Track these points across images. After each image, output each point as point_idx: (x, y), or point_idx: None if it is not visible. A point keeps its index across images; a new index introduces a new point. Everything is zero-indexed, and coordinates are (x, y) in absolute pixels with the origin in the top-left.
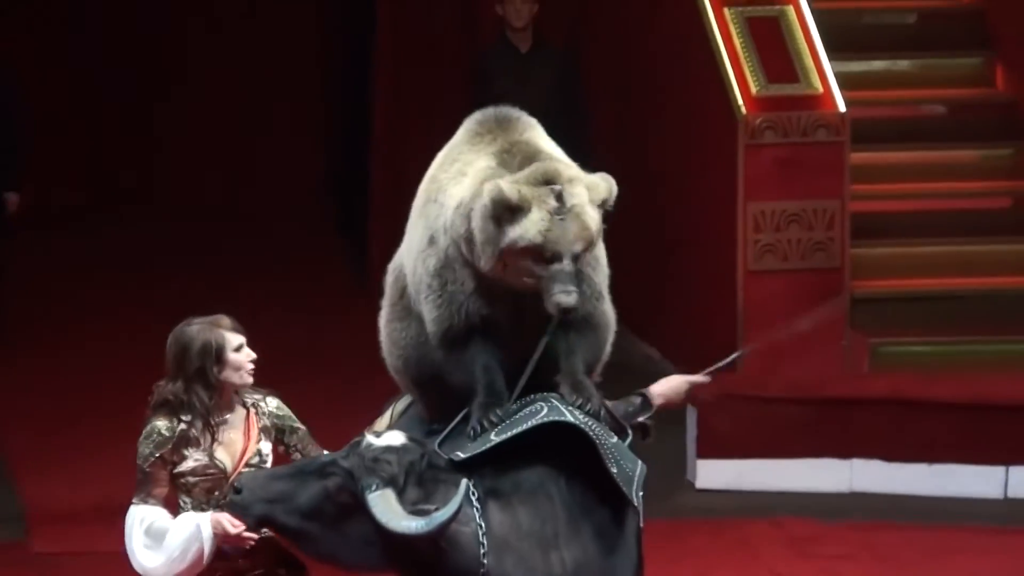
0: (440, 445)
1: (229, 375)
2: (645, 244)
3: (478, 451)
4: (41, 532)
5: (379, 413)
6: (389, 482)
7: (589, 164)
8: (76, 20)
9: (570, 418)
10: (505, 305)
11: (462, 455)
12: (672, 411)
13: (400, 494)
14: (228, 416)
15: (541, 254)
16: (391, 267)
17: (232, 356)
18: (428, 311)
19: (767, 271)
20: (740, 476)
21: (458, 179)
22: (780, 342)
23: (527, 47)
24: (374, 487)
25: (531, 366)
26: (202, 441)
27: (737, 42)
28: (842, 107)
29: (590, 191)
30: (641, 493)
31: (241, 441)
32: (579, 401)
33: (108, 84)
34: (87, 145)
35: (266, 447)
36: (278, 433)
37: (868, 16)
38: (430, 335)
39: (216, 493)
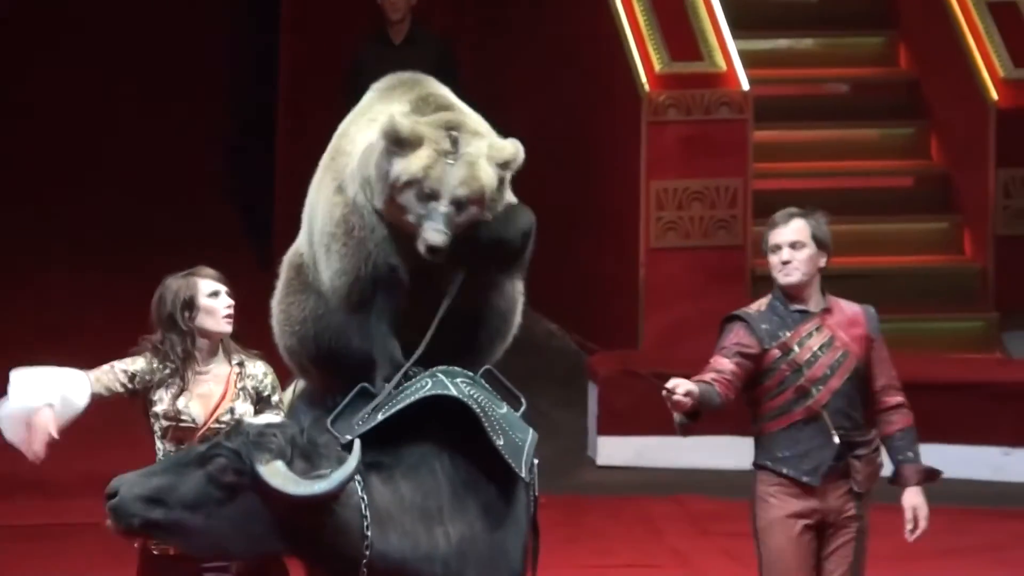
0: (333, 422)
1: (203, 320)
2: (549, 221)
3: (364, 430)
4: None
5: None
6: (279, 454)
7: None
8: None
9: (454, 391)
10: (411, 258)
11: (349, 436)
12: (573, 389)
13: (288, 466)
14: (211, 368)
15: (422, 190)
16: (286, 256)
17: (204, 301)
18: (333, 264)
19: (669, 248)
20: (640, 453)
21: (369, 126)
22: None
23: (401, 38)
24: (265, 460)
25: (432, 330)
26: (177, 387)
27: (641, 19)
28: (745, 85)
29: (492, 148)
30: (535, 461)
31: (217, 395)
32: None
33: None
34: None
35: (242, 407)
36: (257, 398)
37: None
38: (333, 294)
39: (184, 444)
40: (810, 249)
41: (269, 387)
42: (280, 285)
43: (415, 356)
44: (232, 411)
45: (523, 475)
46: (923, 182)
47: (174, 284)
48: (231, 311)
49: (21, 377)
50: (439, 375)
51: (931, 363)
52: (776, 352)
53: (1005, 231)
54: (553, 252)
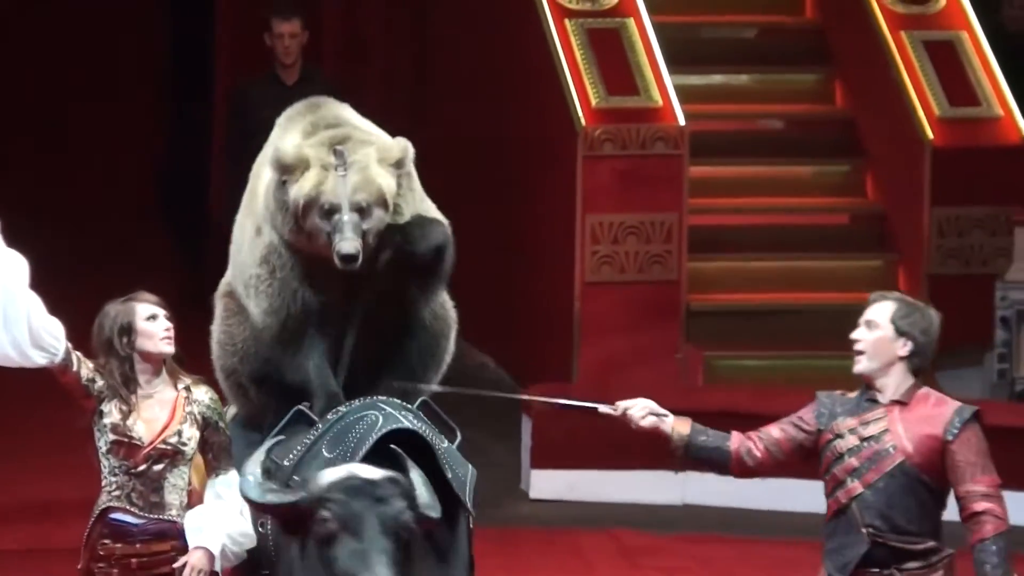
0: (272, 449)
1: (143, 343)
2: (486, 253)
3: (330, 480)
4: None
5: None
6: None
7: None
8: None
9: (407, 423)
10: (336, 288)
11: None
12: (506, 422)
13: None
14: (156, 391)
15: (321, 207)
16: (218, 290)
17: (143, 325)
18: (262, 303)
19: (604, 283)
20: (573, 486)
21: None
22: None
23: (293, 80)
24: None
25: (348, 348)
26: (125, 407)
27: (578, 53)
28: (681, 120)
29: (381, 152)
30: (474, 496)
31: (164, 419)
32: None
33: None
34: None
35: (189, 431)
36: (204, 424)
37: (707, 30)
38: (265, 330)
39: (130, 461)
40: (885, 332)
41: (215, 413)
42: (218, 311)
43: (341, 371)
44: (180, 433)
45: (469, 507)
46: (858, 220)
47: (112, 310)
48: (170, 333)
49: None
50: (385, 407)
51: None
52: (828, 436)
53: (938, 270)
54: (489, 284)
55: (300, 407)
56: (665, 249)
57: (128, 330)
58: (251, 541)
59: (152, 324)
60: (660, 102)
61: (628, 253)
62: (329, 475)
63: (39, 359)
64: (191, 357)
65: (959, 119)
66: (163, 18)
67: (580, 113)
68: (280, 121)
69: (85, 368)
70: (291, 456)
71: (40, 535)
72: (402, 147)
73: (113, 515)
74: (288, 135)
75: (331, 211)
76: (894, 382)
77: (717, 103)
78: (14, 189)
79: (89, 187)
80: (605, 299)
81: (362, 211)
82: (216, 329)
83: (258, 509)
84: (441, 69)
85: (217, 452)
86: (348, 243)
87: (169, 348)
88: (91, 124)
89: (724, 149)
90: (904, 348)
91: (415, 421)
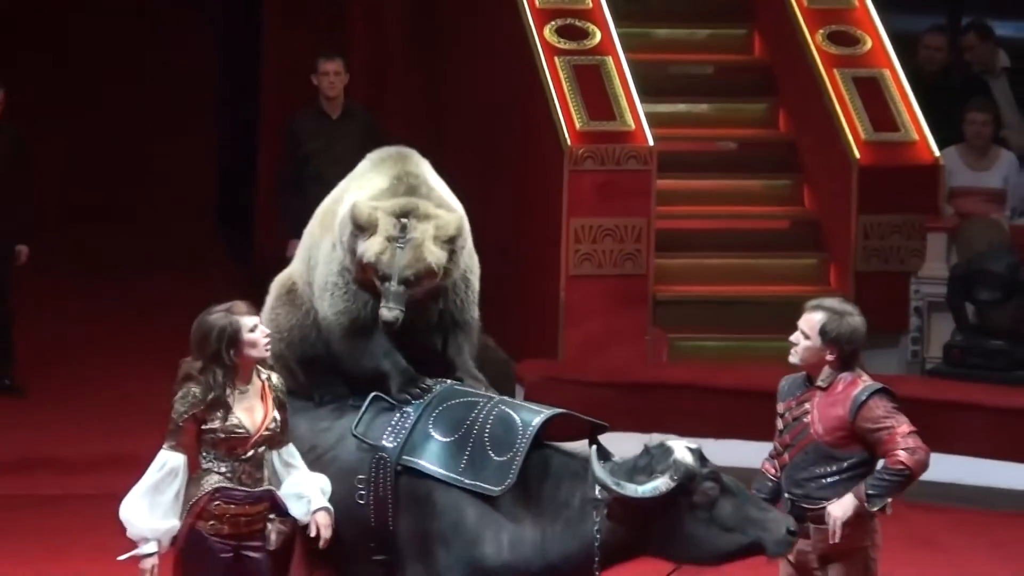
0: (357, 426)
1: (249, 352)
2: (486, 250)
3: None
4: (47, 476)
5: None
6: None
7: None
8: None
9: (545, 411)
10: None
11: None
12: (502, 392)
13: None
14: (248, 387)
15: (376, 271)
16: (278, 278)
17: (248, 336)
18: (336, 305)
19: (585, 276)
20: None
21: (356, 192)
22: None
23: (337, 114)
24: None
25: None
26: (228, 406)
27: (565, 85)
28: (651, 141)
29: (438, 229)
30: None
31: (261, 408)
32: (481, 389)
33: None
34: None
35: (279, 415)
36: (280, 405)
37: (673, 67)
38: (336, 327)
39: (237, 450)
40: (813, 342)
41: (284, 395)
42: (269, 299)
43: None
44: (275, 419)
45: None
46: (797, 225)
47: (217, 323)
48: (268, 339)
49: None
50: (476, 392)
51: None
52: (779, 411)
53: (863, 268)
54: (489, 276)
55: (376, 393)
56: (636, 248)
57: (235, 342)
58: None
59: (255, 334)
60: (633, 126)
61: (605, 251)
62: (685, 454)
63: None
64: None
65: (881, 142)
66: (215, 39)
67: (566, 134)
68: (373, 158)
69: (190, 439)
70: (390, 438)
71: (108, 483)
72: (457, 225)
73: (223, 491)
74: (374, 181)
75: (384, 277)
76: (821, 373)
77: (680, 127)
78: (88, 189)
79: (156, 188)
80: (586, 290)
81: (409, 283)
82: (264, 317)
83: (635, 503)
84: (452, 96)
85: (283, 428)
86: (388, 312)
87: (268, 353)
88: (160, 134)
89: (686, 166)
90: (830, 353)
91: (532, 405)
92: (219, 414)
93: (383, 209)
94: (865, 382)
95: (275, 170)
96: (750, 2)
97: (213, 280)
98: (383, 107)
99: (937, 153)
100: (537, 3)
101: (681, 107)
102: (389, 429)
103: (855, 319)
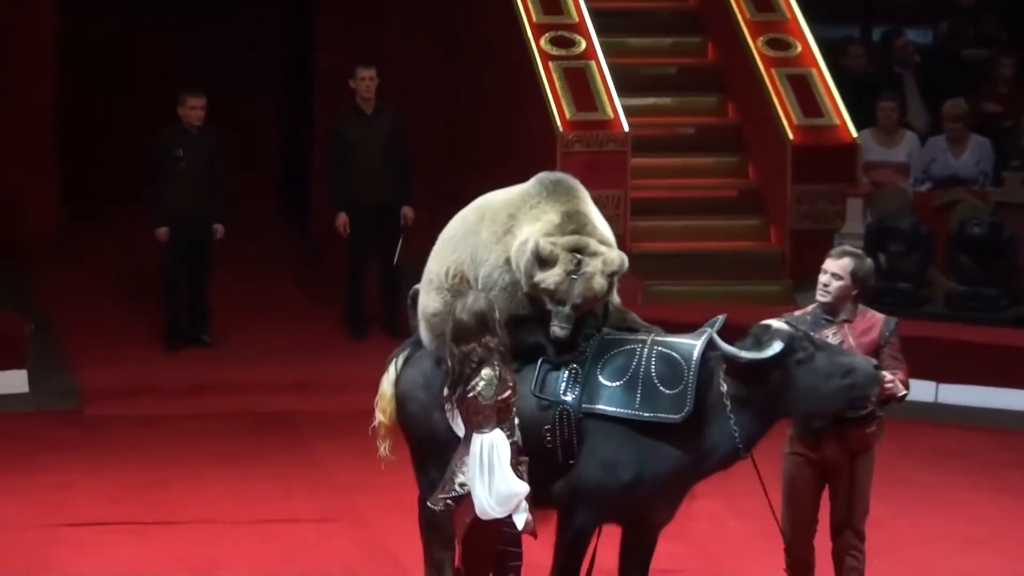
0: (534, 386)
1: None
2: None
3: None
4: (93, 401)
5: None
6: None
7: (408, 184)
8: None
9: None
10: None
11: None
12: None
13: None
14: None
15: (552, 297)
16: (434, 275)
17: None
18: (499, 303)
19: None
20: None
21: (532, 222)
22: None
23: (371, 110)
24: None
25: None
26: (507, 378)
27: (557, 84)
28: (626, 128)
29: (605, 264)
30: None
31: (510, 376)
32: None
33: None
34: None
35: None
36: None
37: (644, 69)
38: (501, 313)
39: (511, 414)
40: (846, 282)
41: None
42: (428, 290)
43: None
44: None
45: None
46: (743, 194)
47: (488, 304)
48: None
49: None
50: (622, 335)
51: (747, 314)
52: None
53: (797, 226)
54: None
55: (544, 358)
56: (616, 213)
57: (495, 314)
58: None
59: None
60: (612, 116)
61: None
62: (781, 324)
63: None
64: (300, 308)
65: (810, 126)
66: (283, 52)
67: (559, 123)
68: (545, 185)
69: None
70: (568, 393)
71: (198, 404)
72: (620, 263)
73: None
74: (548, 215)
75: (559, 302)
76: (845, 309)
77: (649, 116)
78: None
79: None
80: None
81: (577, 307)
82: (421, 304)
83: (758, 365)
84: (466, 92)
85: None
86: (560, 330)
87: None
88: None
89: (654, 147)
90: (856, 290)
91: (682, 339)
92: (508, 384)
93: (561, 246)
94: (879, 314)
95: (324, 155)
96: (704, 16)
97: (274, 241)
98: (410, 106)
99: (855, 134)
100: (534, 19)
101: (650, 100)
102: (563, 385)
103: (870, 261)
